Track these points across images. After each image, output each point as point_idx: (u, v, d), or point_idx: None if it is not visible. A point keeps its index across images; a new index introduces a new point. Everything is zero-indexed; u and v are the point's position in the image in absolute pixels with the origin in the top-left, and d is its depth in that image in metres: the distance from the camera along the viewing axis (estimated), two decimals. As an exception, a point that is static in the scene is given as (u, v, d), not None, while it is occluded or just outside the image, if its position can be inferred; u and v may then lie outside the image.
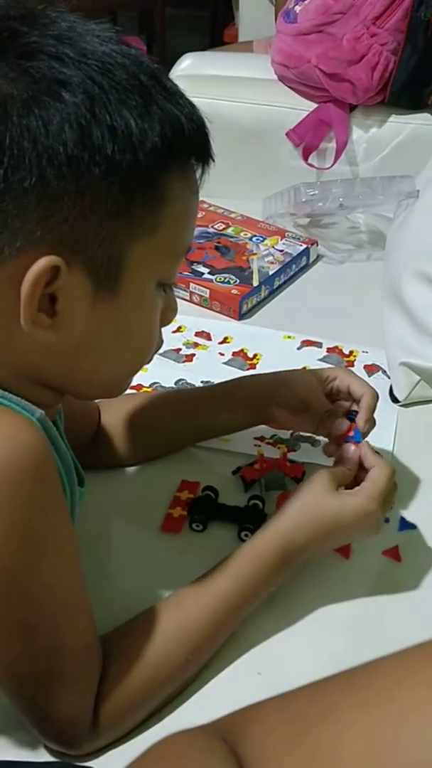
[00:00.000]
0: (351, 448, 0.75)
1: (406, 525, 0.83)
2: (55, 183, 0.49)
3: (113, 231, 0.52)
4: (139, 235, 0.53)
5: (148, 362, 0.65)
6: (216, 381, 0.99)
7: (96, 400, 0.84)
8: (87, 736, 0.59)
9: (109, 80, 0.50)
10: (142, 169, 0.52)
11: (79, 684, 0.58)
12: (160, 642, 0.62)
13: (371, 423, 0.79)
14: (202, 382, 1.00)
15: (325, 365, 1.04)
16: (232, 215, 1.32)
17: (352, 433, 0.78)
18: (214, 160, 0.57)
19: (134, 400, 0.86)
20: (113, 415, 0.84)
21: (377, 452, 0.76)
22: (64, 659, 0.56)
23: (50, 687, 0.56)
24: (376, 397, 0.80)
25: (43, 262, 0.50)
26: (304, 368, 1.03)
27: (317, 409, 0.80)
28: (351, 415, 0.80)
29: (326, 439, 0.81)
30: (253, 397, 0.83)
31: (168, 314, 0.64)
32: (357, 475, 0.74)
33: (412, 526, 0.82)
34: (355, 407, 0.80)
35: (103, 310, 0.54)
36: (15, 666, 0.56)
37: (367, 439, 0.78)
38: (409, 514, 0.84)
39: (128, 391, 0.94)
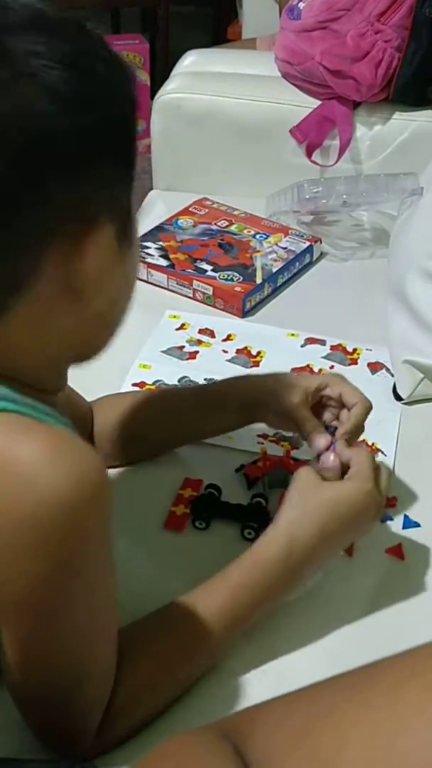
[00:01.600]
0: (330, 457, 0.73)
1: (410, 523, 0.82)
2: (92, 151, 0.50)
3: (127, 186, 0.55)
4: (132, 183, 0.56)
5: None
6: (220, 378, 1.00)
7: (89, 401, 0.84)
8: (91, 743, 0.59)
9: (94, 47, 0.51)
10: (134, 124, 0.55)
11: (91, 704, 0.58)
12: (169, 647, 0.63)
13: (358, 433, 0.77)
14: (205, 379, 1.00)
15: (328, 363, 1.04)
16: (236, 212, 1.32)
17: (331, 447, 0.76)
18: None
19: (124, 401, 0.86)
20: (105, 417, 0.84)
21: (348, 446, 0.75)
22: (82, 685, 0.56)
23: (62, 707, 0.56)
24: (369, 408, 0.77)
25: (100, 230, 0.51)
26: (308, 366, 1.03)
27: (298, 417, 0.77)
28: (331, 429, 0.77)
29: None
30: (244, 402, 0.82)
31: None
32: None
33: (416, 524, 0.82)
34: (336, 423, 0.78)
35: (124, 263, 0.56)
36: (31, 689, 0.56)
37: (369, 437, 0.78)
38: (413, 512, 0.84)
39: (127, 389, 0.96)
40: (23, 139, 0.47)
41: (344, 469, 0.72)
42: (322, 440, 0.76)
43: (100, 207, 0.52)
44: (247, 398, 0.82)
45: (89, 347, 0.60)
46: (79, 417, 0.82)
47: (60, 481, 0.47)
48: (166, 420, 0.85)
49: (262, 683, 0.66)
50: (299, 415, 0.78)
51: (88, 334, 0.58)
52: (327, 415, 0.79)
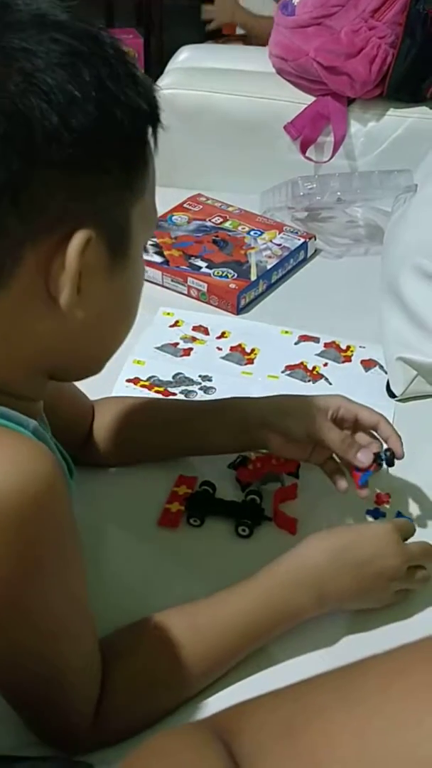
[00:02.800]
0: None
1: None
2: (82, 155, 0.49)
3: (123, 198, 0.53)
4: (137, 199, 0.55)
5: None
6: (214, 375, 1.00)
7: (91, 401, 0.84)
8: (85, 740, 0.59)
9: (101, 51, 0.51)
10: (139, 135, 0.53)
11: (77, 700, 0.58)
12: (167, 655, 0.62)
13: (400, 440, 0.80)
14: (199, 376, 1.00)
15: (322, 360, 1.05)
16: (230, 209, 1.32)
17: (363, 470, 0.78)
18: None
19: (125, 404, 0.85)
20: (103, 417, 0.84)
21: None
22: (65, 681, 0.57)
23: (49, 704, 0.57)
24: (387, 420, 0.80)
25: (81, 235, 0.50)
26: (302, 363, 1.03)
27: (331, 443, 0.78)
28: (385, 456, 0.79)
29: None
30: (246, 420, 0.81)
31: None
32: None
33: (409, 520, 0.82)
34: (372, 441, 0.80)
35: (116, 279, 0.55)
36: (15, 686, 0.56)
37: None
38: (406, 509, 0.84)
39: (123, 387, 0.96)
40: (3, 136, 0.47)
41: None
42: (369, 455, 0.77)
43: (84, 215, 0.51)
44: (251, 413, 0.81)
45: (73, 360, 0.59)
46: (78, 415, 0.82)
47: (5, 486, 0.47)
48: (164, 429, 0.84)
49: (254, 679, 0.66)
50: (325, 428, 0.77)
51: (68, 345, 0.56)
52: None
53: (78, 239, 0.50)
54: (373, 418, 0.80)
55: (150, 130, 0.55)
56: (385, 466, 0.80)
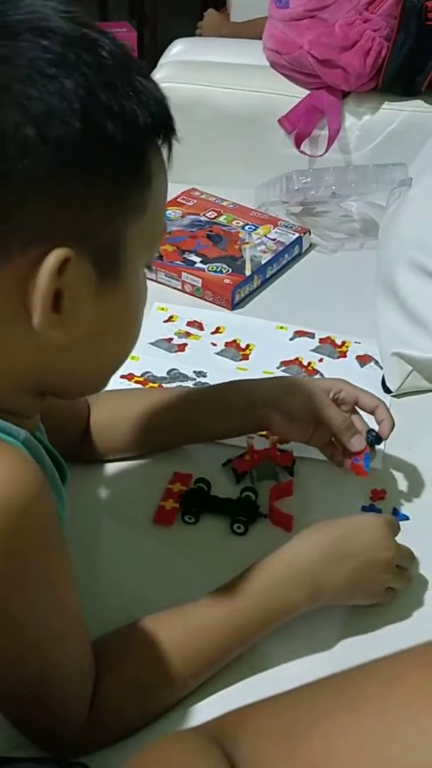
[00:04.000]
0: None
1: (398, 516, 0.82)
2: (61, 169, 0.47)
3: (113, 215, 0.51)
4: (133, 217, 0.52)
5: None
6: (208, 371, 1.00)
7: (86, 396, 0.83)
8: (77, 742, 0.59)
9: (94, 59, 0.49)
10: (137, 149, 0.51)
11: (70, 703, 0.58)
12: (160, 658, 0.62)
13: (392, 426, 0.81)
14: (194, 372, 0.99)
15: (317, 356, 1.04)
16: (224, 203, 1.31)
17: (362, 456, 0.78)
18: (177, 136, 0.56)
19: (125, 397, 0.85)
20: (103, 412, 0.83)
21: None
22: (56, 684, 0.56)
23: (40, 706, 0.56)
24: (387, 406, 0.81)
25: (57, 254, 0.48)
26: (297, 359, 1.03)
27: (330, 420, 0.78)
28: (370, 437, 0.80)
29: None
30: (250, 400, 0.81)
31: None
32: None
33: (405, 517, 0.82)
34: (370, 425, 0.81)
35: (106, 300, 0.53)
36: (6, 689, 0.56)
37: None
38: (402, 505, 0.84)
39: (118, 383, 0.96)
40: None
41: None
42: (362, 440, 0.78)
43: (64, 233, 0.48)
44: (255, 393, 0.81)
45: (66, 380, 0.57)
46: (74, 412, 0.81)
47: None
48: (167, 416, 0.83)
49: (251, 684, 0.66)
50: (329, 414, 0.78)
51: (57, 365, 0.54)
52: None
53: (53, 259, 0.48)
54: (373, 402, 0.81)
55: (156, 142, 0.52)
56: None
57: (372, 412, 0.81)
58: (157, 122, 0.52)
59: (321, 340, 1.07)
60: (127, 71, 0.50)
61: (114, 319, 0.55)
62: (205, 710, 0.64)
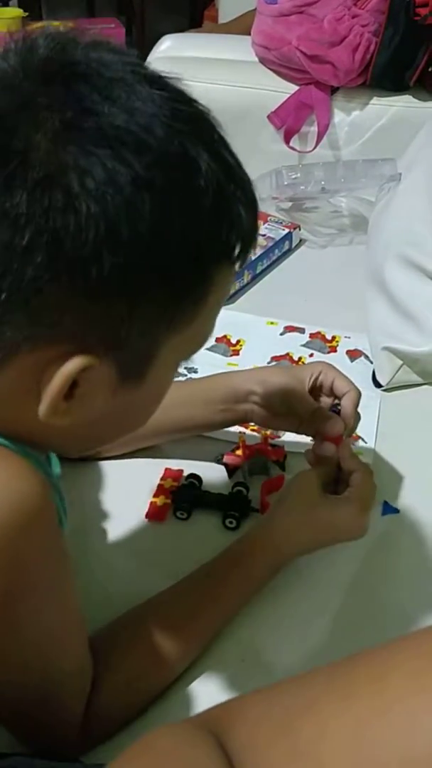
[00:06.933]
0: (332, 447, 0.74)
1: (389, 509, 0.83)
2: (105, 290, 0.44)
3: (155, 330, 0.48)
4: (178, 329, 0.49)
5: None
6: (199, 366, 0.99)
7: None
8: (74, 741, 0.59)
9: (186, 181, 0.45)
10: (203, 276, 0.48)
11: (69, 702, 0.58)
12: (149, 646, 0.63)
13: (356, 420, 0.78)
14: (184, 367, 0.99)
15: (307, 351, 1.04)
16: (214, 199, 1.31)
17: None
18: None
19: None
20: None
21: (354, 454, 0.75)
22: (56, 685, 0.56)
23: (40, 707, 0.56)
24: (359, 395, 0.78)
25: (80, 361, 0.45)
26: (288, 354, 1.03)
27: (301, 411, 0.78)
28: (334, 409, 0.79)
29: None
30: (230, 395, 0.81)
31: None
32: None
33: (396, 511, 0.83)
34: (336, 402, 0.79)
35: (123, 396, 0.50)
36: (7, 691, 0.56)
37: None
38: (393, 498, 0.85)
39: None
40: (27, 247, 0.42)
41: (344, 477, 0.73)
42: (339, 423, 0.75)
43: (95, 342, 0.46)
44: (235, 387, 0.81)
45: (59, 446, 0.56)
46: None
47: None
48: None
49: (243, 675, 0.66)
50: (297, 399, 0.78)
51: (54, 436, 0.52)
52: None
53: (74, 364, 0.45)
54: (343, 389, 0.78)
55: (228, 264, 0.49)
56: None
57: (339, 398, 0.79)
58: (236, 251, 0.49)
59: (311, 335, 1.07)
60: (219, 196, 0.47)
61: (130, 408, 0.53)
62: (199, 702, 0.64)
